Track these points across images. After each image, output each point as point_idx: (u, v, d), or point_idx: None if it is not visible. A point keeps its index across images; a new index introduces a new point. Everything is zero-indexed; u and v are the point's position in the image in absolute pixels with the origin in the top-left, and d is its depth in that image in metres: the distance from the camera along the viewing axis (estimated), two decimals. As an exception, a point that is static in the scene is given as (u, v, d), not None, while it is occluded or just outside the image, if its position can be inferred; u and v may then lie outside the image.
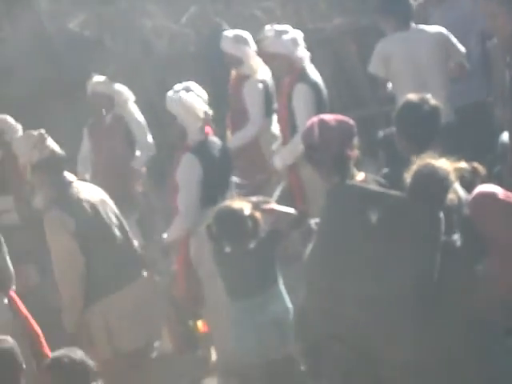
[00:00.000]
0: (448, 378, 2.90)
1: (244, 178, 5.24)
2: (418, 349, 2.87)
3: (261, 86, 5.62)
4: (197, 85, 4.50)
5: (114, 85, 5.96)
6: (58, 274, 4.05)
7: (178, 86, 4.44)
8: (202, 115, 4.35)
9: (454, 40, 5.05)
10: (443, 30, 5.11)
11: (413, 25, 5.10)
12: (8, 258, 3.99)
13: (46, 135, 4.28)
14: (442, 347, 2.87)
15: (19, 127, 5.34)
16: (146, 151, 6.07)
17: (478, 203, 3.03)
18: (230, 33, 5.87)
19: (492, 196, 3.03)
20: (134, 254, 4.30)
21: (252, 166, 5.55)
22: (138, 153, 6.08)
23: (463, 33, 5.37)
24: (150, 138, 6.06)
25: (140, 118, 6.03)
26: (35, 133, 4.29)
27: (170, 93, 4.44)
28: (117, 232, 4.15)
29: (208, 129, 4.49)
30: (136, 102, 6.04)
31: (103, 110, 5.97)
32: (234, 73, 5.87)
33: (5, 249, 4.01)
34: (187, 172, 4.35)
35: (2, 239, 4.03)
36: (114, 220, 4.17)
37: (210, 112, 4.47)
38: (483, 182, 3.08)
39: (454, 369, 2.89)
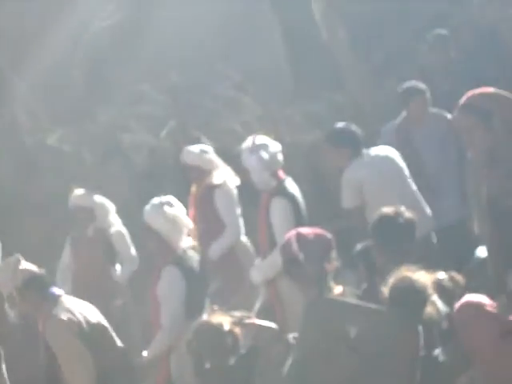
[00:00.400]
0: None
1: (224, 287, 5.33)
2: None
3: (234, 193, 5.69)
4: (175, 199, 4.60)
5: (95, 197, 6.04)
6: (70, 376, 4.11)
7: (156, 200, 4.52)
8: (185, 230, 4.44)
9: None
10: (393, 149, 5.31)
11: (364, 150, 5.20)
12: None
13: (21, 258, 4.38)
14: None
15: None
16: (129, 264, 6.09)
17: (464, 313, 3.04)
18: (193, 147, 5.96)
19: (478, 306, 3.04)
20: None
21: (231, 277, 5.58)
22: (118, 266, 6.09)
23: (443, 152, 5.68)
24: (133, 251, 6.09)
25: (122, 229, 6.07)
26: (11, 259, 4.40)
27: (149, 206, 4.53)
28: (112, 334, 4.37)
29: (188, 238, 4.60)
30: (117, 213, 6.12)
31: (84, 223, 6.04)
32: (195, 187, 5.91)
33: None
34: (170, 285, 4.35)
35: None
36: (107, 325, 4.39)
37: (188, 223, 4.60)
38: (463, 293, 3.11)
39: None
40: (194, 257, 4.66)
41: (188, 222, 4.57)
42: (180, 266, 4.37)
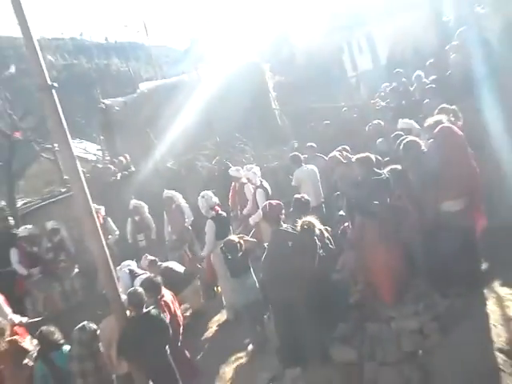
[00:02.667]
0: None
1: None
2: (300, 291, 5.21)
3: (251, 187, 9.09)
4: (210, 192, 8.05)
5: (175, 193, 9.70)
6: None
7: (206, 192, 7.96)
8: (212, 204, 7.78)
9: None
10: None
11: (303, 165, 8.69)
12: None
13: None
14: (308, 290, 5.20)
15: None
16: (190, 219, 9.40)
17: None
18: (231, 169, 9.50)
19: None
20: None
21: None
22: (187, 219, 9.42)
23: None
24: (190, 215, 9.41)
25: (187, 207, 9.47)
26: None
27: (205, 193, 7.92)
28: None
29: (217, 208, 7.82)
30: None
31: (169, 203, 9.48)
32: (235, 183, 9.36)
33: None
34: (209, 228, 7.61)
35: None
36: None
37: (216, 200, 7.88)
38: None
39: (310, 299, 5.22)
40: (223, 214, 7.84)
41: (216, 200, 7.87)
42: (214, 219, 7.63)
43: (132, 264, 7.44)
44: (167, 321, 5.58)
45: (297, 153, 9.01)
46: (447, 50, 11.36)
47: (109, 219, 9.96)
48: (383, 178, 5.95)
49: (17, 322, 6.96)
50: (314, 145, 9.38)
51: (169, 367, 5.56)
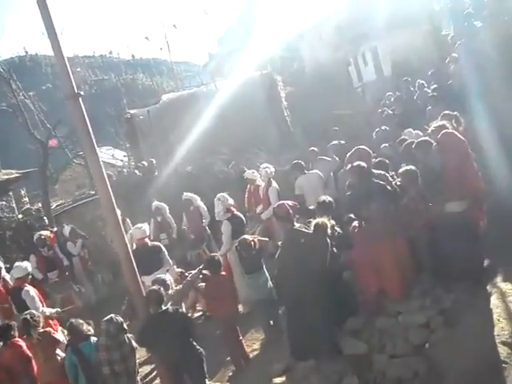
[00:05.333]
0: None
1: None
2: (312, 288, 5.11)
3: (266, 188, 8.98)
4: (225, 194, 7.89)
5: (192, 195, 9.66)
6: None
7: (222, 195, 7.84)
8: (228, 206, 7.64)
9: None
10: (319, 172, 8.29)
11: (306, 171, 8.38)
12: None
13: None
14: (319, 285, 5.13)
15: None
16: (207, 220, 9.32)
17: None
18: (247, 172, 9.34)
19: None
20: None
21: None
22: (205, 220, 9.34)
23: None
24: (208, 216, 9.30)
25: (205, 209, 9.38)
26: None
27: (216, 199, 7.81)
28: None
29: (233, 209, 7.68)
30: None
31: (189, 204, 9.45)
32: (250, 186, 9.22)
33: None
34: (226, 228, 7.48)
35: None
36: None
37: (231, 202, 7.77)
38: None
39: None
40: (239, 215, 7.69)
41: (231, 202, 7.74)
42: (229, 220, 7.50)
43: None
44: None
45: (299, 160, 8.69)
46: (447, 62, 11.29)
47: (127, 220, 9.86)
48: (378, 185, 5.76)
49: (48, 314, 6.90)
50: (315, 149, 9.16)
51: (190, 360, 5.40)
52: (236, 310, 6.52)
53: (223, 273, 6.46)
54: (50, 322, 6.80)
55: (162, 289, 5.42)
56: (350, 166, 6.20)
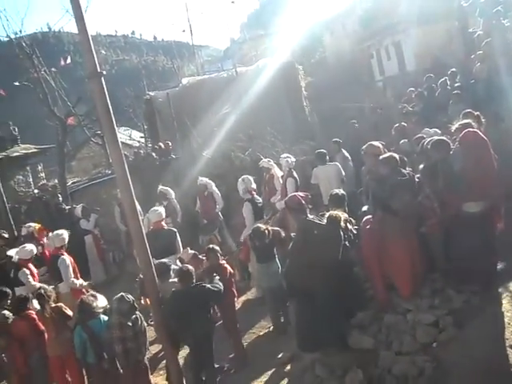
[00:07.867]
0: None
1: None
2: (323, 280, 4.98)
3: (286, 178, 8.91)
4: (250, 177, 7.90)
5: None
6: None
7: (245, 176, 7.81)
8: (250, 188, 7.66)
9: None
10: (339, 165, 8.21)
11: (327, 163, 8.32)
12: None
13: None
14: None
15: None
16: (220, 205, 9.35)
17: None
18: (263, 161, 9.27)
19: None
20: None
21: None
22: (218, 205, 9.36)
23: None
24: (221, 202, 9.32)
25: (219, 195, 9.37)
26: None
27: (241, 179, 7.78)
28: None
29: (253, 192, 7.71)
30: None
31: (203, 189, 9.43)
32: (266, 174, 9.14)
33: None
34: (246, 209, 7.50)
35: None
36: None
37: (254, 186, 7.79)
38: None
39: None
40: (258, 198, 7.80)
41: (254, 186, 7.82)
42: (250, 201, 7.57)
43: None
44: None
45: (323, 150, 8.64)
46: (472, 59, 11.09)
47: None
48: (407, 178, 5.68)
49: (78, 286, 7.08)
50: (339, 140, 9.09)
51: (206, 339, 5.51)
52: (233, 302, 6.45)
53: (223, 261, 6.43)
54: (77, 293, 6.89)
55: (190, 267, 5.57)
56: (381, 156, 6.08)
